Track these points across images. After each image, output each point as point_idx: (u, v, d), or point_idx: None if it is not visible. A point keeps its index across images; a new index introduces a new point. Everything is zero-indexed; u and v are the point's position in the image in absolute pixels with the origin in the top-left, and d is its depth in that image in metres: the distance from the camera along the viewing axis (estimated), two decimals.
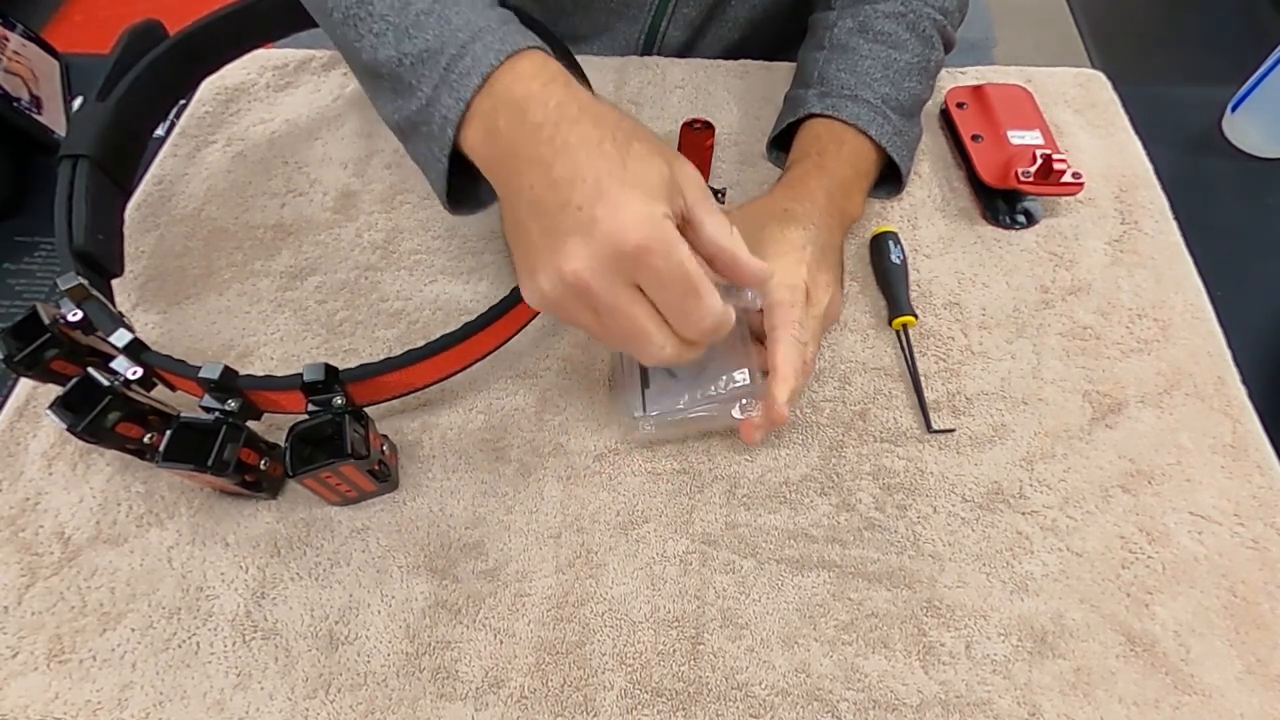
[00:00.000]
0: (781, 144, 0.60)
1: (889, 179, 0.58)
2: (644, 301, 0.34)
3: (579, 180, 0.33)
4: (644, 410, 0.46)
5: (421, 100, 0.39)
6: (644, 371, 0.48)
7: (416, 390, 0.47)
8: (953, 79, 0.66)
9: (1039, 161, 0.55)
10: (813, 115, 0.55)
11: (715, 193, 0.56)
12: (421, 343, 0.43)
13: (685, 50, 0.71)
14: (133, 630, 0.42)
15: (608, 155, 0.33)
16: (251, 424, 0.43)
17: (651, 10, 0.67)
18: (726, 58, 0.70)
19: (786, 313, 0.45)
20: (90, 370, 0.40)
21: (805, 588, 0.44)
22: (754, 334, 0.47)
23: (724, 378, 0.46)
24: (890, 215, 0.59)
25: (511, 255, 0.39)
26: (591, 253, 0.32)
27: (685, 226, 0.35)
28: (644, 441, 0.48)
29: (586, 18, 0.69)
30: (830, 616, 0.43)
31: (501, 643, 0.42)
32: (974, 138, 0.60)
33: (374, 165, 0.62)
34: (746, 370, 0.46)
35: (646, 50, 0.71)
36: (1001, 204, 0.59)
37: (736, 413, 0.45)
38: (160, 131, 0.64)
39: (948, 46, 0.60)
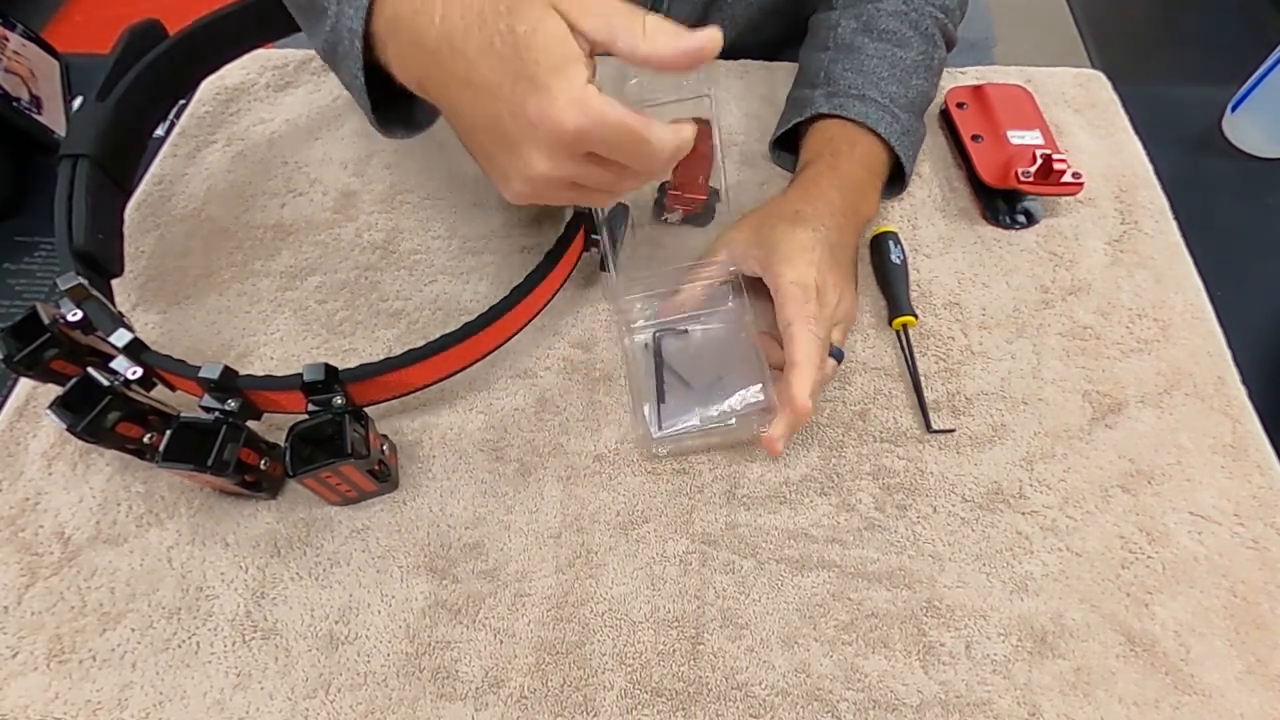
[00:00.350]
0: (784, 144, 0.60)
1: (892, 179, 0.58)
2: (607, 160, 0.35)
3: (498, 87, 0.34)
4: (660, 428, 0.46)
5: (331, 18, 0.40)
6: (660, 387, 0.48)
7: (416, 390, 0.47)
8: (953, 79, 0.66)
9: (1039, 161, 0.54)
10: (821, 116, 0.55)
11: (713, 193, 0.56)
12: (421, 343, 0.44)
13: None
14: (133, 630, 0.42)
15: (505, 57, 0.33)
16: (251, 424, 0.43)
17: (646, 7, 0.67)
18: (724, 57, 0.69)
19: (800, 307, 0.45)
20: (90, 370, 0.40)
21: (805, 588, 0.44)
22: (772, 365, 0.48)
23: (739, 393, 0.46)
24: (890, 215, 0.59)
25: (474, 159, 0.40)
26: (544, 154, 0.35)
27: (609, 51, 0.35)
28: (659, 457, 0.48)
29: None
30: (830, 616, 0.43)
31: (501, 643, 0.42)
32: (974, 138, 0.60)
33: (374, 165, 0.62)
34: (760, 384, 0.46)
35: None
36: (1001, 204, 0.59)
37: (748, 413, 0.46)
38: (160, 131, 0.64)
39: (949, 44, 0.60)
